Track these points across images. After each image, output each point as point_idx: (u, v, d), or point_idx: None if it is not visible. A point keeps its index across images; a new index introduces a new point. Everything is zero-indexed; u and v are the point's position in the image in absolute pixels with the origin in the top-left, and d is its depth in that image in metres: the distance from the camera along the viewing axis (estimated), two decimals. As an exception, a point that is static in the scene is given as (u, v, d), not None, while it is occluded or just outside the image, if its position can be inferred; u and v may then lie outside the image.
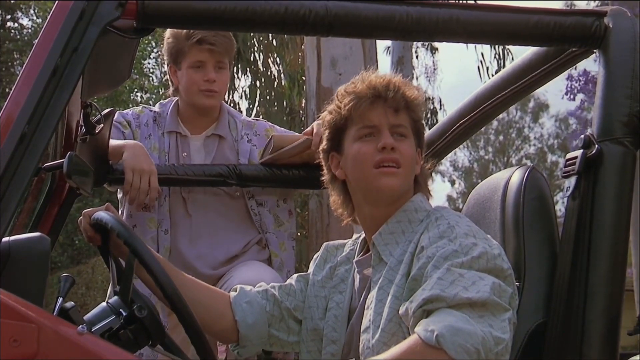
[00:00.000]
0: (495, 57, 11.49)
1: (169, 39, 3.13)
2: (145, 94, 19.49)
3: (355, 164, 2.12)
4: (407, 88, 2.14)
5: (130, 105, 17.89)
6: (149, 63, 19.73)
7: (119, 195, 3.13)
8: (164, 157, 3.11)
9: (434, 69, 15.34)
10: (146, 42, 17.74)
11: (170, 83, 3.20)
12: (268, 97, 10.99)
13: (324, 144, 2.23)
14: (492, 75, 11.19)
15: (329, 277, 2.28)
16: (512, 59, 11.93)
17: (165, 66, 3.22)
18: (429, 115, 14.12)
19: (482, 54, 11.97)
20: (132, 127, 3.10)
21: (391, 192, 2.09)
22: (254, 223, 3.14)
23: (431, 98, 14.62)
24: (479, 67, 11.61)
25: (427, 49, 14.65)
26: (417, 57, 14.61)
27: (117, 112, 3.12)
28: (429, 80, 15.41)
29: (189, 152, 3.15)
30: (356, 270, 2.21)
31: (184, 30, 3.05)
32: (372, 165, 2.08)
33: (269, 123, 3.30)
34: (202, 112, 3.14)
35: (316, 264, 2.33)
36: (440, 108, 14.70)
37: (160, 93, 17.98)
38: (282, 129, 3.31)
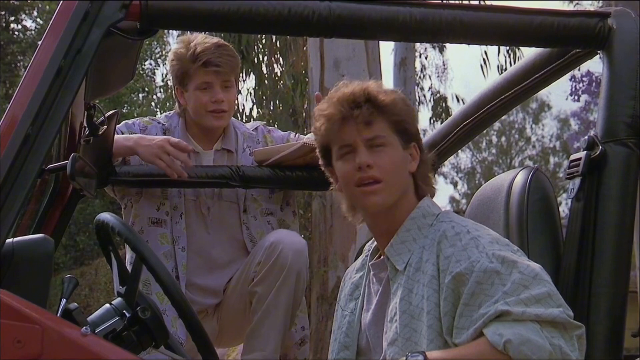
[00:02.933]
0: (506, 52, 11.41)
1: (173, 61, 3.09)
2: (148, 95, 19.50)
3: (342, 183, 2.15)
4: (378, 94, 2.12)
5: (133, 107, 17.93)
6: (150, 64, 19.76)
7: (123, 209, 3.11)
8: None
9: (444, 68, 15.29)
10: (147, 43, 17.74)
11: (177, 103, 3.18)
12: (271, 98, 10.99)
13: (320, 160, 2.23)
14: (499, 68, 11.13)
15: (350, 290, 2.29)
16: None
17: (172, 87, 3.19)
18: (442, 114, 14.09)
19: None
20: None
21: (377, 208, 2.10)
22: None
23: (443, 97, 14.56)
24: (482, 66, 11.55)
25: (434, 48, 14.58)
26: (426, 57, 14.55)
27: (123, 122, 3.11)
28: (440, 80, 15.37)
29: None
30: (372, 273, 2.21)
31: (188, 53, 3.02)
32: (353, 184, 2.10)
33: (267, 127, 3.28)
34: (210, 131, 3.13)
35: (340, 297, 2.33)
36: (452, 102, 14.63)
37: (160, 95, 17.99)
38: (279, 132, 3.29)
